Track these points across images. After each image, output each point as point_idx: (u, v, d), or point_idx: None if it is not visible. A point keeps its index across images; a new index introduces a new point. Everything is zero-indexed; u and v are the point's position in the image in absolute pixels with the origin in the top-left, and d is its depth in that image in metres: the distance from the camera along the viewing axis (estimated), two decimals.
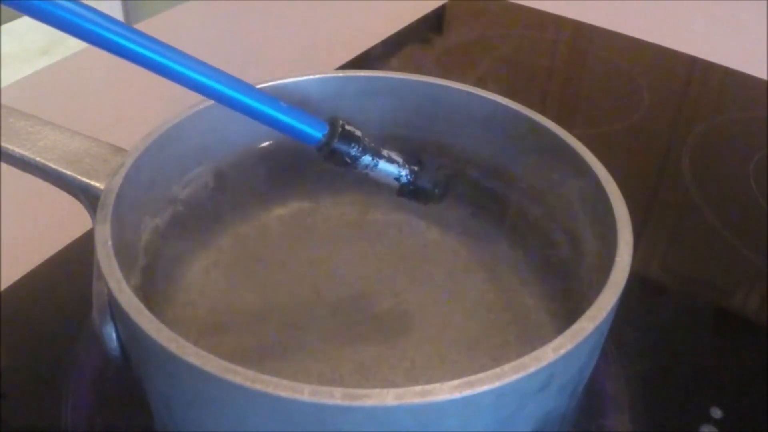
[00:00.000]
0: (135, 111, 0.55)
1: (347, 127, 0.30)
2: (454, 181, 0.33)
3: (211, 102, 0.34)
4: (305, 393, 0.21)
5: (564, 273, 0.34)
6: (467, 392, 0.22)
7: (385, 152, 0.31)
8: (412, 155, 0.32)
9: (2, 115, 0.31)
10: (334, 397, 0.21)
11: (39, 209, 0.46)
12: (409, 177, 0.32)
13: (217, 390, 0.23)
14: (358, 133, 0.30)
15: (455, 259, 0.37)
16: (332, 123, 0.30)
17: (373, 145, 0.31)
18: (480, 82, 0.37)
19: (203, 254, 0.36)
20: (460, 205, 0.38)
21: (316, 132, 0.30)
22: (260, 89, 0.29)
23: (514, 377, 0.22)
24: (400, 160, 0.32)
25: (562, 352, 0.23)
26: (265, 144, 0.38)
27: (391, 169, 0.31)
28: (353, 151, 0.30)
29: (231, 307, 0.34)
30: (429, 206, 0.33)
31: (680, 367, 0.38)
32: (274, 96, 0.29)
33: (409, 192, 0.32)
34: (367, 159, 0.31)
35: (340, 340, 0.33)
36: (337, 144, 0.30)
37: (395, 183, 0.32)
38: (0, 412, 0.34)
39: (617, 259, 0.27)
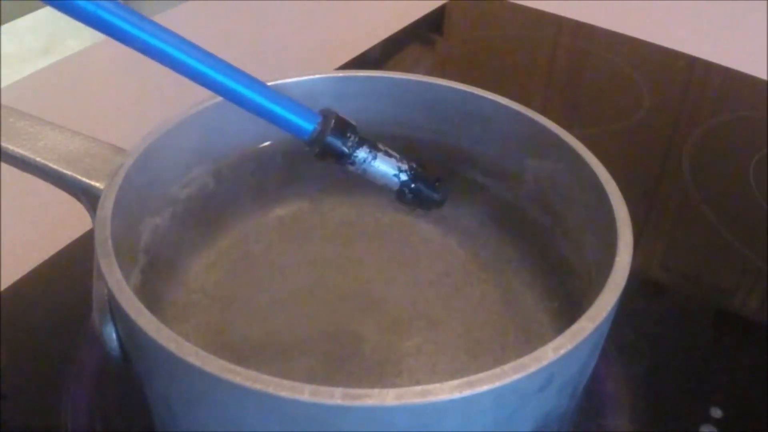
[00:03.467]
0: (135, 111, 0.55)
1: (341, 116, 0.28)
2: (452, 182, 0.31)
3: (212, 102, 0.35)
4: (305, 393, 0.21)
5: (564, 273, 0.34)
6: (467, 392, 0.22)
7: (381, 146, 0.29)
8: (409, 157, 0.30)
9: (2, 115, 0.31)
10: (334, 397, 0.21)
11: (39, 209, 0.46)
12: (409, 174, 0.29)
13: (217, 390, 0.23)
14: (353, 123, 0.28)
15: (455, 259, 0.37)
16: (325, 114, 0.28)
17: (369, 138, 0.29)
18: (480, 82, 0.37)
19: (203, 254, 0.36)
20: (459, 205, 0.38)
21: (308, 123, 0.27)
22: (250, 75, 0.27)
23: (514, 377, 0.22)
24: (397, 155, 0.29)
25: (562, 352, 0.23)
26: (265, 144, 0.38)
27: (389, 165, 0.29)
28: (348, 143, 0.28)
29: (231, 307, 0.34)
30: (428, 208, 0.31)
31: (680, 367, 0.38)
32: (265, 84, 0.27)
33: (410, 194, 0.30)
34: (363, 153, 0.28)
35: (340, 339, 0.33)
36: (330, 137, 0.27)
37: (394, 181, 0.29)
38: (0, 412, 0.34)
39: (617, 259, 0.27)
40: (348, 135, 0.28)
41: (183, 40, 0.25)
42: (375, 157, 0.29)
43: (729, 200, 0.51)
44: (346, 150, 0.28)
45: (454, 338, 0.33)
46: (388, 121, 0.38)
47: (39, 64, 0.61)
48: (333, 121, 0.28)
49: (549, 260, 0.35)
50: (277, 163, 0.38)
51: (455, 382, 0.22)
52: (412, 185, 0.30)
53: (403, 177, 0.29)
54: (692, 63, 0.66)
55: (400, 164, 0.29)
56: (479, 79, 0.39)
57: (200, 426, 0.26)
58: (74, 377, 0.35)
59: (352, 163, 0.28)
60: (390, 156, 0.29)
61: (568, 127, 0.34)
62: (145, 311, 0.24)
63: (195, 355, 0.22)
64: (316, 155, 0.28)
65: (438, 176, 0.31)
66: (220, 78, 0.26)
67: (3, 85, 0.58)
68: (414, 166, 0.30)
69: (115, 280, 0.25)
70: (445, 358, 0.32)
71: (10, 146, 0.30)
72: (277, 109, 0.27)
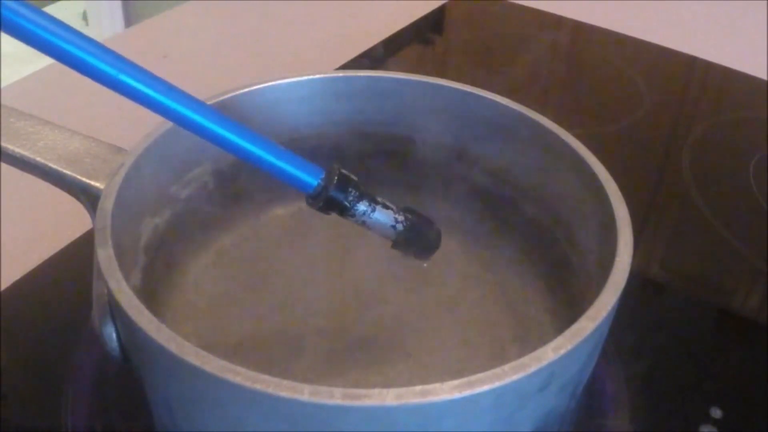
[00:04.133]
0: (135, 111, 0.55)
1: (343, 172, 0.29)
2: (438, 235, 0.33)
3: (211, 102, 0.35)
4: (305, 393, 0.21)
5: (564, 273, 0.34)
6: (467, 392, 0.22)
7: (380, 199, 0.30)
8: (405, 209, 0.32)
9: (2, 115, 0.31)
10: (334, 397, 0.21)
11: (39, 209, 0.46)
12: (405, 224, 0.31)
13: (217, 390, 0.23)
14: (354, 178, 0.30)
15: (455, 259, 0.37)
16: (329, 170, 0.29)
17: (368, 192, 0.30)
18: (480, 82, 0.37)
19: (203, 254, 0.36)
20: (460, 205, 0.38)
21: (313, 178, 0.29)
22: (254, 132, 0.28)
23: (514, 377, 0.22)
24: (394, 207, 0.31)
25: (562, 352, 0.23)
26: None
27: (386, 217, 0.30)
28: (350, 197, 0.29)
29: (231, 307, 0.34)
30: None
31: (680, 367, 0.38)
32: (268, 138, 0.28)
33: (406, 243, 0.31)
34: (363, 206, 0.30)
35: (340, 339, 0.33)
36: (333, 192, 0.29)
37: (392, 231, 0.31)
38: (0, 412, 0.34)
39: (617, 259, 0.27)
40: (349, 190, 0.29)
41: (187, 97, 0.26)
42: (374, 210, 0.30)
43: (729, 200, 0.51)
44: (347, 204, 0.29)
45: (454, 338, 0.33)
46: (387, 121, 0.38)
47: (39, 64, 0.61)
48: (336, 176, 0.29)
49: (549, 260, 0.35)
50: None
51: (455, 382, 0.22)
52: (408, 235, 0.31)
53: (400, 227, 0.31)
54: (692, 63, 0.66)
55: (396, 216, 0.31)
56: (479, 79, 0.39)
57: (200, 426, 0.26)
58: (74, 377, 0.35)
59: (353, 215, 0.30)
60: (387, 208, 0.31)
61: (568, 127, 0.34)
62: (145, 311, 0.24)
63: (195, 355, 0.22)
64: (320, 208, 0.29)
65: (431, 222, 0.32)
66: (227, 135, 0.27)
67: (3, 85, 0.58)
68: (409, 216, 0.31)
69: (115, 280, 0.25)
70: (445, 357, 0.32)
71: (10, 146, 0.30)
72: (283, 166, 0.28)
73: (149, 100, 0.25)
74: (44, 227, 0.44)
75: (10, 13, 0.22)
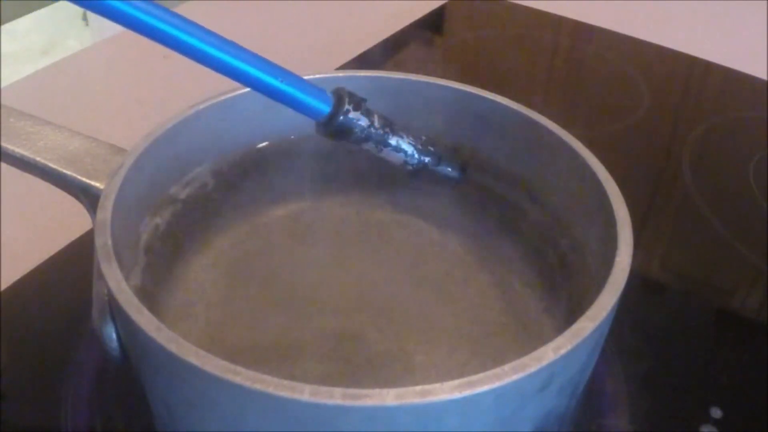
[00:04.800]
0: (135, 111, 0.55)
1: (354, 94, 0.27)
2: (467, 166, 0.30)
3: (212, 102, 0.35)
4: (305, 393, 0.21)
5: (564, 273, 0.34)
6: (467, 392, 0.22)
7: (396, 123, 0.28)
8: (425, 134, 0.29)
9: (2, 115, 0.31)
10: (334, 397, 0.21)
11: (39, 209, 0.46)
12: (424, 150, 0.29)
13: (217, 390, 0.23)
14: (365, 99, 0.28)
15: (455, 259, 0.37)
16: (339, 94, 0.27)
17: (383, 116, 0.28)
18: (480, 82, 0.37)
19: (203, 254, 0.36)
20: (459, 204, 0.38)
21: (324, 105, 0.27)
22: (262, 58, 0.26)
23: (514, 377, 0.22)
24: (412, 132, 0.28)
25: (562, 352, 0.23)
26: (265, 144, 0.38)
27: (404, 141, 0.28)
28: (363, 122, 0.27)
29: (231, 307, 0.34)
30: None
31: (680, 367, 0.38)
32: (274, 63, 0.26)
33: (426, 170, 0.29)
34: (378, 130, 0.28)
35: (339, 339, 0.33)
36: (346, 116, 0.27)
37: (411, 158, 0.29)
38: (0, 412, 0.34)
39: (617, 259, 0.27)
40: (362, 113, 0.27)
41: (193, 25, 0.25)
42: (390, 134, 0.28)
43: (729, 200, 0.51)
44: (363, 126, 0.27)
45: (454, 338, 0.33)
46: None
47: (39, 64, 0.61)
48: (347, 99, 0.27)
49: (549, 260, 0.35)
50: (277, 163, 0.38)
51: (455, 382, 0.22)
52: (427, 160, 0.29)
53: (417, 155, 0.29)
54: (692, 63, 0.66)
55: (414, 141, 0.28)
56: (479, 79, 0.39)
57: (200, 426, 0.26)
58: (74, 377, 0.35)
59: (367, 140, 0.28)
60: (405, 133, 0.28)
61: (568, 127, 0.34)
62: (145, 311, 0.24)
63: (195, 355, 0.22)
64: (332, 135, 0.27)
65: (454, 149, 0.30)
66: (232, 61, 0.25)
67: (3, 85, 0.58)
68: (429, 141, 0.29)
69: (115, 280, 0.25)
70: (445, 357, 0.32)
71: (10, 146, 0.30)
72: (293, 92, 0.26)
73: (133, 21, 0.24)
74: (44, 227, 0.44)
75: None
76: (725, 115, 0.60)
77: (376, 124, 0.28)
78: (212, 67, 0.25)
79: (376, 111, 0.28)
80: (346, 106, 0.27)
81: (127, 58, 0.62)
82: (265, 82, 0.26)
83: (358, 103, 0.27)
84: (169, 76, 0.58)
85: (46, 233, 0.44)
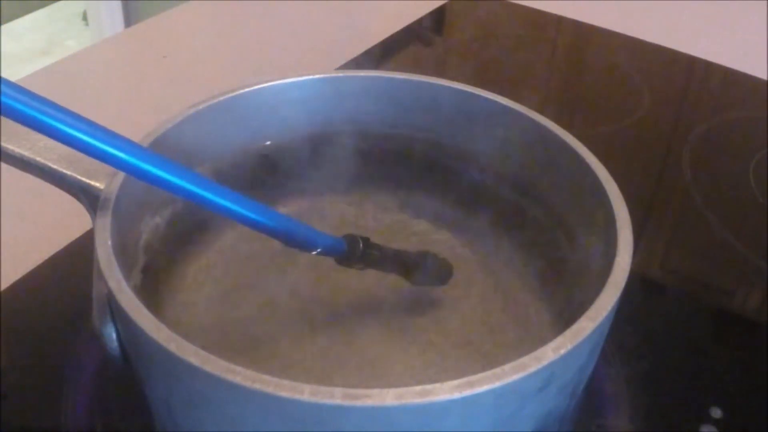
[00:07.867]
0: (135, 111, 0.55)
1: (361, 237, 0.33)
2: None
3: (212, 102, 0.35)
4: (305, 393, 0.21)
5: (564, 273, 0.34)
6: (467, 392, 0.22)
7: (390, 249, 0.34)
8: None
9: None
10: (334, 397, 0.21)
11: (39, 209, 0.46)
12: (414, 261, 0.35)
13: (217, 390, 0.23)
14: (368, 239, 0.33)
15: (455, 259, 0.37)
16: (349, 238, 0.32)
17: (387, 248, 0.34)
18: (480, 82, 0.37)
19: (203, 254, 0.36)
20: (460, 205, 0.38)
21: (342, 246, 0.32)
22: (280, 214, 0.31)
23: (514, 377, 0.22)
24: (406, 251, 0.34)
25: (562, 352, 0.23)
26: (265, 144, 0.38)
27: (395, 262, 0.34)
28: (372, 256, 0.33)
29: (230, 307, 0.34)
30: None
31: (680, 367, 0.38)
32: (301, 222, 0.31)
33: (421, 278, 0.35)
34: (383, 261, 0.34)
35: (340, 339, 0.33)
36: (360, 255, 0.33)
37: (405, 272, 0.35)
38: (0, 412, 0.34)
39: (617, 259, 0.27)
40: (369, 251, 0.33)
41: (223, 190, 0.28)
42: (386, 258, 0.34)
43: (729, 200, 0.51)
44: (371, 261, 0.33)
45: (454, 338, 0.33)
46: (387, 122, 0.38)
47: (39, 64, 0.61)
48: (360, 242, 0.33)
49: (549, 260, 0.35)
50: (277, 163, 0.38)
51: (455, 382, 0.22)
52: (418, 275, 0.35)
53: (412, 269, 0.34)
54: (692, 63, 0.66)
55: (406, 258, 0.34)
56: (479, 79, 0.39)
57: (200, 426, 0.26)
58: (74, 377, 0.35)
59: (374, 266, 0.34)
60: (397, 254, 0.34)
61: (568, 127, 0.34)
62: (145, 311, 0.24)
63: (195, 355, 0.22)
64: (347, 265, 0.33)
65: (442, 259, 0.35)
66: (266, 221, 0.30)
67: None
68: (422, 259, 0.35)
69: (115, 280, 0.25)
70: (444, 357, 0.32)
71: (10, 146, 0.30)
72: (319, 239, 0.31)
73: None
74: (44, 227, 0.44)
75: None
76: (725, 115, 0.60)
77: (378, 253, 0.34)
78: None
79: (381, 246, 0.34)
80: (360, 248, 0.33)
81: (126, 58, 0.62)
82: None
83: (367, 245, 0.33)
84: (169, 76, 0.58)
85: (46, 233, 0.44)
